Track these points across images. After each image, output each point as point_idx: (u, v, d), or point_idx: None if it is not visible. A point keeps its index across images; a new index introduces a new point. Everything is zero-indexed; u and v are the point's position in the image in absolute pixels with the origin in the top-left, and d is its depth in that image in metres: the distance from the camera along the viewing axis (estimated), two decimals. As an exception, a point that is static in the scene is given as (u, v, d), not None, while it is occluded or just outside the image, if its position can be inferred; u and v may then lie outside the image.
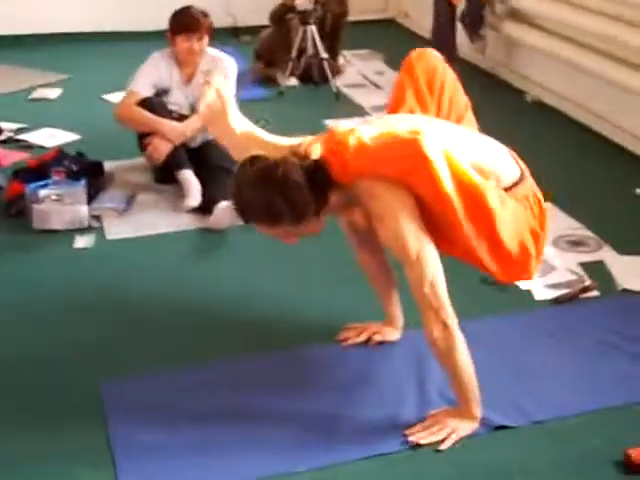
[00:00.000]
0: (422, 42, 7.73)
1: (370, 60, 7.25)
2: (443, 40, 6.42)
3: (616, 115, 5.24)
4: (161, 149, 4.38)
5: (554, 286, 3.59)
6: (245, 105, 4.54)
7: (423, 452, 2.66)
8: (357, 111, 5.93)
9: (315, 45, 6.26)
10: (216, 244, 4.05)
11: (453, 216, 2.57)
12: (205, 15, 4.59)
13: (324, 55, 6.28)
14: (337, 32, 6.68)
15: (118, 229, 4.14)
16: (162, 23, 4.65)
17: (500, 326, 3.30)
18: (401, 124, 2.72)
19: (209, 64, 4.58)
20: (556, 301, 3.48)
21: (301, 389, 2.97)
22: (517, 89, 6.27)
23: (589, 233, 4.06)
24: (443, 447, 2.67)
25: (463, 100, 3.06)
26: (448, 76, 3.02)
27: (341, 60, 6.91)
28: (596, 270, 3.74)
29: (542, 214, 2.79)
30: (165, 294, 3.59)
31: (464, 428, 2.73)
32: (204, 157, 4.52)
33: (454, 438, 2.70)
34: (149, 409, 2.88)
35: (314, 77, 6.42)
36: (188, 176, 4.38)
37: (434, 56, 3.06)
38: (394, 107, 3.00)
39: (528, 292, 3.57)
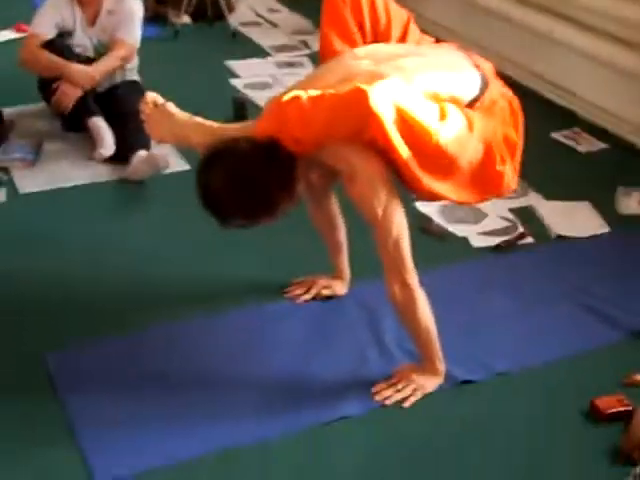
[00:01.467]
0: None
1: (260, -4, 7.06)
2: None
3: (526, 59, 5.25)
4: (70, 95, 4.14)
5: (490, 233, 3.60)
6: (141, 45, 4.37)
7: (393, 410, 2.63)
8: (257, 51, 5.79)
9: (209, -19, 6.04)
10: (136, 196, 3.87)
11: (409, 170, 2.50)
12: (108, -49, 4.33)
13: (217, -9, 6.07)
14: (229, -33, 6.46)
15: (30, 182, 3.91)
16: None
17: (445, 277, 3.27)
18: (338, 75, 2.59)
19: (113, 4, 4.34)
20: (496, 248, 3.49)
21: (257, 351, 2.88)
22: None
23: (513, 178, 4.07)
24: (407, 404, 2.65)
25: (401, 16, 2.87)
26: None
27: (231, -4, 6.69)
28: (526, 216, 3.77)
29: (514, 115, 2.71)
30: (89, 257, 3.40)
31: (429, 384, 2.71)
32: (113, 102, 4.31)
33: (419, 395, 2.68)
34: (100, 379, 2.74)
35: (208, 14, 6.20)
36: (99, 123, 4.16)
37: None
38: (324, 55, 2.85)
39: (465, 240, 3.56)
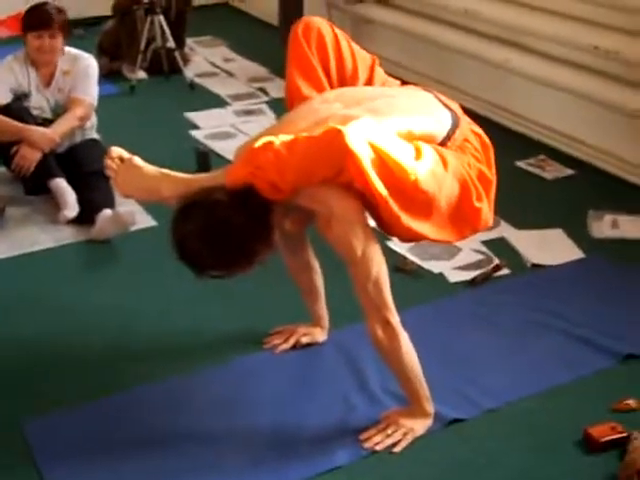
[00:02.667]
0: (261, 25, 7.66)
1: (214, 47, 7.07)
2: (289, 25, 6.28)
3: (484, 90, 5.28)
4: (30, 157, 4.08)
5: (465, 267, 3.57)
6: (100, 103, 4.33)
7: (384, 456, 2.56)
8: (215, 101, 5.76)
9: (164, 35, 6.02)
10: (104, 256, 3.80)
11: (388, 209, 2.45)
12: (60, 11, 4.30)
13: (172, 45, 6.04)
14: (182, 21, 6.45)
15: (-7, 249, 3.82)
16: None
17: (424, 314, 3.23)
18: (308, 120, 2.56)
19: (68, 64, 4.31)
20: (472, 282, 3.46)
21: (240, 405, 2.81)
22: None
23: (483, 210, 4.05)
24: (398, 449, 2.59)
25: (366, 59, 2.85)
26: (342, 41, 2.81)
27: (186, 49, 6.68)
28: (500, 247, 3.74)
29: (486, 150, 2.69)
30: (61, 320, 3.30)
31: (419, 427, 2.65)
32: (74, 162, 4.25)
33: (409, 439, 2.62)
34: (80, 445, 2.64)
35: (164, 68, 6.17)
36: (62, 185, 4.10)
37: (319, 23, 2.81)
38: (291, 101, 2.82)
39: (441, 276, 3.52)
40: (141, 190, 2.72)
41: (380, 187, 2.37)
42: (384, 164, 2.38)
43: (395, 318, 2.54)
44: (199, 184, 2.56)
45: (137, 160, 2.72)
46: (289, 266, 3.01)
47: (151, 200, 2.86)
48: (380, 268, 2.50)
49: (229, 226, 2.40)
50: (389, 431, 2.63)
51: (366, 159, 2.34)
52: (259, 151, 2.42)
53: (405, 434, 2.62)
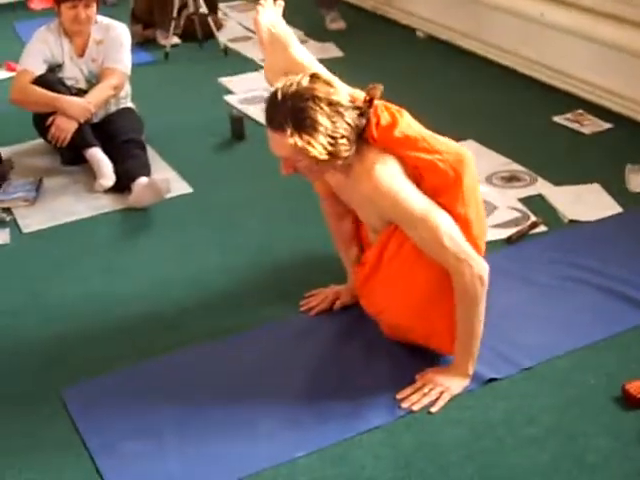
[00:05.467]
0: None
1: (248, 11, 7.01)
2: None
3: (519, 45, 5.21)
4: (66, 128, 4.10)
5: (501, 225, 3.55)
6: (133, 71, 4.35)
7: (420, 417, 2.57)
8: (249, 65, 5.74)
9: (196, 1, 6.00)
10: (141, 224, 3.83)
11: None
12: (92, -20, 4.29)
13: (205, 10, 6.03)
14: (214, -14, 6.43)
15: (33, 220, 3.86)
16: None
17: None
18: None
19: (101, 33, 4.32)
20: (509, 240, 3.43)
21: (279, 369, 2.82)
22: (406, 26, 6.17)
23: (520, 167, 4.03)
24: (435, 409, 2.59)
25: None
26: None
27: (219, 14, 6.67)
28: (537, 204, 3.71)
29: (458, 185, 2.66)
30: (99, 287, 3.35)
31: (456, 386, 2.65)
32: (109, 132, 4.27)
33: (446, 398, 2.62)
34: (119, 412, 2.67)
35: (197, 34, 6.17)
36: (98, 155, 4.13)
37: None
38: None
39: (478, 235, 3.50)
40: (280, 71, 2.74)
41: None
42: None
43: (485, 268, 2.56)
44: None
45: (288, 37, 2.82)
46: (329, 212, 3.00)
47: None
48: (450, 220, 2.54)
49: (339, 107, 2.44)
50: (425, 390, 2.63)
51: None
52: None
53: (442, 393, 2.62)
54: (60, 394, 2.74)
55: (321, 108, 2.41)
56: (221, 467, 2.43)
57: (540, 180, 3.89)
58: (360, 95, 2.58)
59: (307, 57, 2.85)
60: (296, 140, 2.41)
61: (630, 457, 2.36)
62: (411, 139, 2.59)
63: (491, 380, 2.69)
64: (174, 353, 2.91)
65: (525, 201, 3.73)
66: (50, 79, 4.20)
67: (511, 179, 3.93)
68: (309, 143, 2.42)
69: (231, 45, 6.15)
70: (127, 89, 4.46)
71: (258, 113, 4.84)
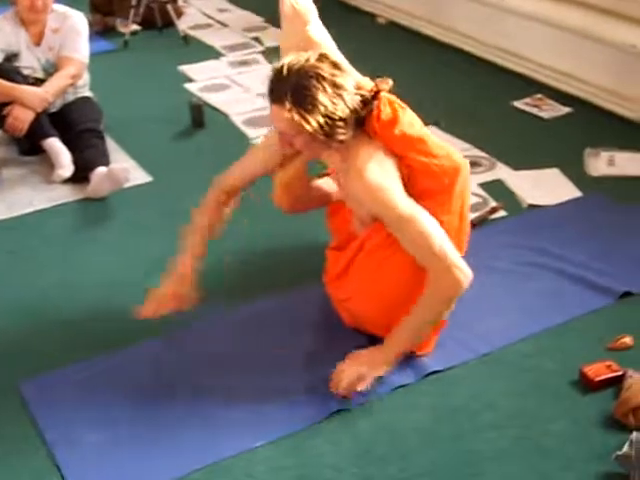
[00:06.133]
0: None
1: (208, -2, 6.98)
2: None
3: (479, 30, 5.21)
4: (23, 118, 4.05)
5: (461, 211, 3.54)
6: (91, 60, 4.30)
7: (379, 402, 2.57)
8: (209, 52, 5.71)
9: (155, -12, 5.95)
10: (99, 214, 3.79)
11: None
12: (47, -33, 4.24)
13: (164, -3, 5.98)
14: (174, -28, 6.37)
15: (-9, 211, 3.82)
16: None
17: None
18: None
19: (57, 21, 4.27)
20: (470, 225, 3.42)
21: (238, 360, 2.80)
22: (367, 12, 6.16)
23: (479, 152, 4.04)
24: (360, 388, 2.55)
25: None
26: None
27: (179, 1, 6.61)
28: (497, 189, 3.72)
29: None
30: (56, 279, 3.31)
31: (379, 369, 2.59)
32: (67, 121, 4.22)
33: (369, 380, 2.56)
34: (77, 404, 2.65)
35: (157, 22, 6.12)
36: (56, 144, 4.08)
37: None
38: None
39: (438, 221, 3.50)
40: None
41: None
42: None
43: (469, 275, 2.55)
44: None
45: (310, 16, 2.91)
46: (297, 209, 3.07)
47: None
48: (437, 225, 2.53)
49: (341, 90, 2.44)
50: (348, 373, 2.57)
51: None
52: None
53: (363, 375, 2.56)
54: (17, 387, 2.71)
55: (323, 88, 2.41)
56: (178, 457, 2.42)
57: (499, 165, 3.90)
58: (368, 84, 2.58)
59: (324, 37, 2.89)
60: (293, 114, 2.42)
61: (588, 440, 2.38)
62: (410, 139, 2.59)
63: (451, 367, 2.69)
64: (133, 345, 2.88)
65: (485, 186, 3.74)
66: (6, 68, 4.14)
67: (471, 165, 3.85)
68: (305, 119, 2.42)
69: (192, 32, 6.10)
70: (85, 78, 4.41)
71: (218, 100, 4.82)
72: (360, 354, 2.63)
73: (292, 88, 2.42)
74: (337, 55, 2.67)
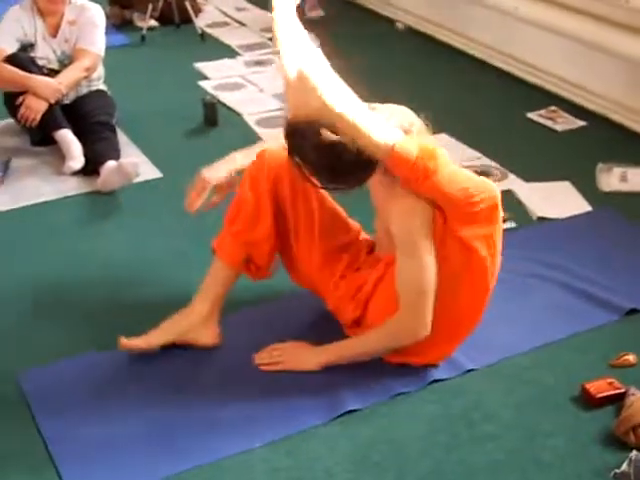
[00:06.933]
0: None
1: (227, -4, 6.99)
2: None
3: (494, 39, 5.20)
4: (36, 108, 4.06)
5: (470, 221, 3.52)
6: (107, 53, 4.30)
7: (377, 410, 2.55)
8: (226, 51, 5.72)
9: (174, -17, 5.96)
10: (108, 208, 3.79)
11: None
12: (68, -41, 4.25)
13: (184, -6, 5.99)
14: (194, -31, 6.38)
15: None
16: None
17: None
18: None
19: (74, 13, 4.27)
20: (476, 236, 3.41)
21: (239, 361, 2.79)
22: (386, 17, 6.15)
23: (491, 162, 4.02)
24: (257, 361, 2.71)
25: None
26: None
27: (199, -2, 6.62)
28: (506, 200, 3.66)
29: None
30: (62, 270, 3.31)
31: (304, 365, 2.68)
32: (80, 113, 4.23)
33: (285, 367, 2.68)
34: (77, 397, 2.64)
35: (175, 18, 6.12)
36: (68, 136, 4.09)
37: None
38: None
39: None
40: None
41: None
42: None
43: (427, 332, 2.54)
44: None
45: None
46: None
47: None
48: (433, 280, 2.50)
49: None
50: (275, 353, 2.71)
51: None
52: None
53: (284, 361, 2.69)
54: (16, 379, 2.71)
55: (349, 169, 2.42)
56: (178, 455, 2.40)
57: (511, 176, 3.88)
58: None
59: (344, 103, 2.40)
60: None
61: (586, 457, 2.36)
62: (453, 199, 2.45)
63: (452, 377, 2.67)
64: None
65: (495, 197, 3.71)
66: (22, 58, 4.15)
67: (482, 174, 3.82)
68: None
69: (209, 30, 6.11)
70: (100, 71, 4.41)
71: (231, 99, 4.82)
72: (300, 345, 2.72)
73: (321, 167, 2.46)
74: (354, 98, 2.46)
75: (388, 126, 2.39)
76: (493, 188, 2.52)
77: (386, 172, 2.47)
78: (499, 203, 2.54)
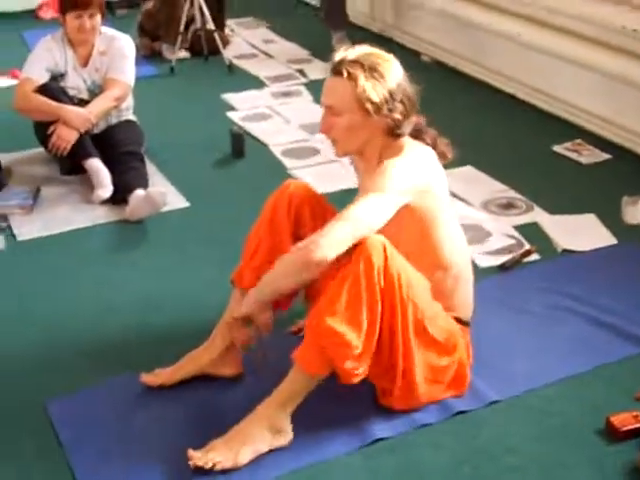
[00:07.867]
0: (302, 6, 7.64)
1: (255, 28, 7.09)
2: (333, 6, 6.28)
3: (522, 73, 5.22)
4: (67, 137, 4.12)
5: (495, 252, 3.54)
6: (137, 84, 4.36)
7: (399, 443, 2.55)
8: (253, 82, 5.77)
9: (203, 16, 6.03)
10: (136, 237, 3.83)
11: None
12: (98, -9, 4.32)
13: (212, 26, 6.06)
14: (221, 3, 6.47)
15: (28, 228, 3.87)
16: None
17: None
18: None
19: (105, 44, 4.34)
20: (502, 267, 3.43)
21: (261, 386, 2.80)
22: (412, 50, 6.20)
23: (516, 194, 4.03)
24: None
25: None
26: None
27: (227, 30, 6.70)
28: (532, 232, 3.71)
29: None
30: (91, 299, 3.35)
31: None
32: (109, 143, 4.29)
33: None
34: (104, 425, 2.66)
35: (203, 50, 6.20)
36: (97, 165, 4.14)
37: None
38: None
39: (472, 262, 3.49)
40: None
41: None
42: None
43: (329, 258, 2.38)
44: None
45: None
46: None
47: None
48: (373, 223, 2.42)
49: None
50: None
51: None
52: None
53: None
54: (44, 405, 2.73)
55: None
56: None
57: (536, 208, 3.89)
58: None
59: None
60: (359, 82, 2.44)
61: (611, 490, 2.35)
62: None
63: (475, 409, 2.67)
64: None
65: (520, 229, 3.73)
66: (53, 88, 4.22)
67: (507, 206, 3.93)
68: (373, 86, 2.45)
69: (236, 61, 6.18)
70: (129, 101, 4.47)
71: (259, 130, 4.86)
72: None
73: (363, 59, 2.47)
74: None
75: None
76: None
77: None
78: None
